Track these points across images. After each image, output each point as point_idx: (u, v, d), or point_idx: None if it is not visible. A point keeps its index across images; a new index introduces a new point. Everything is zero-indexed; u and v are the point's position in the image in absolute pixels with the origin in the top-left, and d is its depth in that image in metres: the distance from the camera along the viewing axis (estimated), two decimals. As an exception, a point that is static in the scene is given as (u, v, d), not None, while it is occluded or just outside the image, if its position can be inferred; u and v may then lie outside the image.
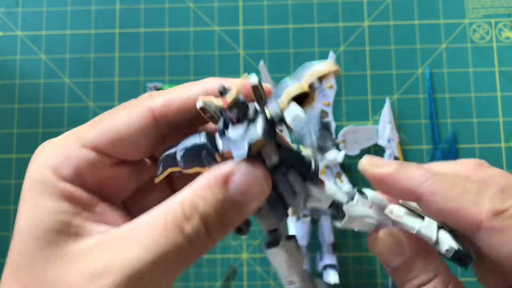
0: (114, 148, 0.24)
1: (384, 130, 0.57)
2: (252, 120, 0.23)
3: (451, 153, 0.58)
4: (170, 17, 0.62)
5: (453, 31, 0.60)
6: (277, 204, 0.25)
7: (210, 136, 0.24)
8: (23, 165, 0.59)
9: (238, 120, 0.23)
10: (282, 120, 0.23)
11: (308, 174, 0.25)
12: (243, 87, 0.24)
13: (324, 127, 0.22)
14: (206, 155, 0.23)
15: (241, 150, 0.22)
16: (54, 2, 0.62)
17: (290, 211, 0.25)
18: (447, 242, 0.24)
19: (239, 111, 0.23)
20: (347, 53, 0.60)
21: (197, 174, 0.23)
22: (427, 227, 0.25)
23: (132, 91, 0.60)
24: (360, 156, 0.58)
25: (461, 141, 0.58)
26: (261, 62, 0.57)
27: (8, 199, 0.59)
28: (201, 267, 0.57)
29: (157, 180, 0.25)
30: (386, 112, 0.58)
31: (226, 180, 0.22)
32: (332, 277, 0.52)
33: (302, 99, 0.23)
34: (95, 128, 0.24)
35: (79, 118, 0.59)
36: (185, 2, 0.62)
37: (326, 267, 0.53)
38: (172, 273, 0.21)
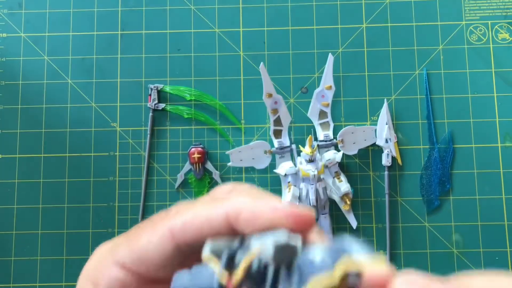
0: (139, 267, 0.25)
1: (382, 130, 0.58)
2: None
3: (448, 153, 0.59)
4: (171, 19, 0.62)
5: (450, 33, 0.61)
6: None
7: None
8: (26, 165, 0.60)
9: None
10: None
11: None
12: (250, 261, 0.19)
13: None
14: None
15: None
16: (57, 4, 0.63)
17: None
18: None
19: (254, 284, 0.19)
20: (346, 54, 0.61)
21: None
22: None
23: (134, 92, 0.61)
24: (358, 156, 0.59)
25: (458, 141, 0.59)
26: (261, 64, 0.57)
27: (11, 199, 0.59)
28: (202, 266, 0.58)
29: None
30: (384, 113, 0.58)
31: None
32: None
33: None
34: (123, 246, 0.25)
35: (81, 119, 0.60)
36: (186, 4, 0.63)
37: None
38: None
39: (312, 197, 0.54)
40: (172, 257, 0.24)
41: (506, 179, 0.58)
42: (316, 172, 0.53)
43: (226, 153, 0.58)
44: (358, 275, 0.17)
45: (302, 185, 0.54)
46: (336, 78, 0.59)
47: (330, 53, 0.58)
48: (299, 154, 0.55)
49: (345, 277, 0.17)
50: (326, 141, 0.57)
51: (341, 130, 0.58)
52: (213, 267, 0.20)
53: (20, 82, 0.61)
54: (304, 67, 0.61)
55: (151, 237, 0.24)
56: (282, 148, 0.57)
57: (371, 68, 0.61)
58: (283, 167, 0.56)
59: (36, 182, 0.59)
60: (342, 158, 0.56)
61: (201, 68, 0.61)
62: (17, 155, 0.60)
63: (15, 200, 0.59)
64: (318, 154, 0.54)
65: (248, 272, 0.18)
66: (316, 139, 0.58)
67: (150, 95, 0.60)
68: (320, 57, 0.61)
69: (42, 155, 0.60)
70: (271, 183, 0.59)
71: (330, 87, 0.58)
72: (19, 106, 0.61)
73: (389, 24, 0.62)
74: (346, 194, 0.56)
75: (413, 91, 0.60)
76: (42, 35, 0.62)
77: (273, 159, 0.58)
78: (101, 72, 0.61)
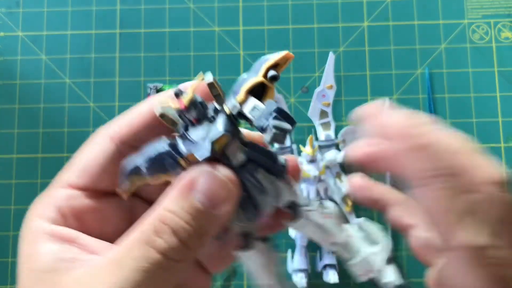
0: (86, 180, 0.25)
1: (384, 130, 0.57)
2: (213, 119, 0.23)
3: (451, 153, 0.58)
4: (170, 18, 0.62)
5: (453, 32, 0.61)
6: (247, 205, 0.24)
7: (172, 141, 0.23)
8: (23, 165, 0.59)
9: (198, 121, 0.23)
10: (241, 114, 0.23)
11: (276, 170, 0.24)
12: (199, 87, 0.23)
13: (279, 110, 0.22)
14: (171, 163, 0.23)
15: (203, 150, 0.22)
16: (54, 2, 0.62)
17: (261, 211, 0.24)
18: (390, 275, 0.24)
19: (198, 112, 0.22)
20: (347, 53, 0.60)
21: (168, 183, 0.23)
22: (375, 255, 0.25)
23: (132, 91, 0.60)
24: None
25: (460, 141, 0.58)
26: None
27: (9, 199, 0.59)
28: (201, 267, 0.57)
29: (124, 195, 0.25)
30: None
31: (190, 189, 0.22)
32: (332, 277, 0.53)
33: (261, 92, 0.23)
34: (67, 168, 0.26)
35: (79, 118, 0.60)
36: (186, 3, 0.62)
37: (326, 267, 0.54)
38: (160, 286, 0.22)
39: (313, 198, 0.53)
40: (115, 160, 0.25)
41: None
42: (317, 173, 0.53)
43: (225, 153, 0.58)
44: (275, 68, 0.23)
45: (302, 186, 0.54)
46: (337, 77, 0.59)
47: (331, 52, 0.58)
48: (299, 154, 0.55)
49: (266, 75, 0.23)
50: (327, 141, 0.57)
51: (342, 130, 0.57)
52: (170, 104, 0.23)
53: (18, 81, 0.61)
54: (305, 66, 0.60)
55: (92, 147, 0.26)
56: (282, 148, 0.57)
57: (373, 67, 0.60)
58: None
59: (33, 183, 0.59)
60: (343, 159, 0.56)
61: (201, 68, 0.61)
62: (15, 155, 0.59)
63: (12, 201, 0.59)
64: (319, 155, 0.54)
65: (194, 100, 0.22)
66: (317, 139, 0.58)
67: (149, 94, 0.59)
68: (321, 56, 0.60)
69: (40, 155, 0.59)
70: (271, 183, 0.58)
71: (331, 87, 0.57)
72: (17, 106, 0.60)
73: (390, 23, 0.61)
74: (347, 195, 0.55)
75: (415, 90, 0.59)
76: (40, 34, 0.62)
77: (274, 159, 0.57)
78: (99, 72, 0.61)
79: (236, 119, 0.23)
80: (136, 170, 0.24)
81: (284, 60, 0.24)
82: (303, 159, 0.53)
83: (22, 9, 0.62)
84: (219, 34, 0.61)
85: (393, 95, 0.59)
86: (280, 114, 0.22)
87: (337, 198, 0.56)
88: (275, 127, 0.21)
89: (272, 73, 0.23)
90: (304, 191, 0.54)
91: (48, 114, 0.60)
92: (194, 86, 0.23)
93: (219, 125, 0.22)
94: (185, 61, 0.61)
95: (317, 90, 0.58)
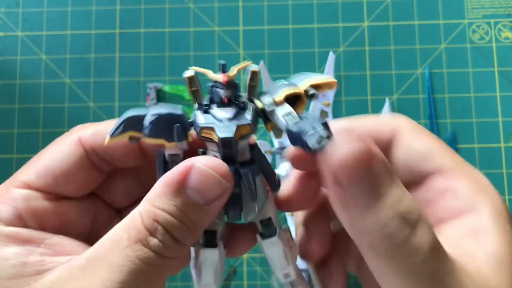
0: (47, 182, 0.24)
1: (384, 130, 0.57)
2: (242, 108, 0.23)
3: (451, 153, 0.58)
4: (170, 18, 0.62)
5: (453, 31, 0.60)
6: (234, 204, 0.24)
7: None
8: (23, 165, 0.59)
9: (226, 103, 0.23)
10: (269, 113, 0.23)
11: (272, 182, 0.25)
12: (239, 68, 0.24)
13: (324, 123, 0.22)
14: (179, 129, 0.22)
15: (227, 130, 0.22)
16: (54, 2, 0.62)
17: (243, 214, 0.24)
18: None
19: (232, 92, 0.23)
20: (347, 53, 0.60)
21: (154, 149, 0.22)
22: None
23: (132, 91, 0.60)
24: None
25: (460, 141, 0.58)
26: (261, 62, 0.57)
27: (8, 199, 0.59)
28: (201, 267, 0.57)
29: (109, 140, 0.23)
30: (385, 112, 0.58)
31: (182, 184, 0.21)
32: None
33: (294, 103, 0.23)
34: (26, 167, 0.24)
35: (79, 118, 0.59)
36: (185, 3, 0.62)
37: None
38: (151, 285, 0.21)
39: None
40: (81, 166, 0.24)
41: (509, 179, 0.57)
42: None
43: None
44: (316, 87, 0.23)
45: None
46: (337, 77, 0.59)
47: (331, 52, 0.58)
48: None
49: (306, 90, 0.23)
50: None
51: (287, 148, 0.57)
52: (207, 71, 0.24)
53: (18, 81, 0.61)
54: (305, 66, 0.60)
55: (58, 147, 0.24)
56: (282, 148, 0.57)
57: (373, 67, 0.60)
58: (284, 168, 0.55)
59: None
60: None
61: (201, 67, 0.60)
62: (15, 155, 0.59)
63: (12, 201, 0.59)
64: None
65: (234, 80, 0.23)
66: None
67: (149, 94, 0.59)
68: (321, 56, 0.60)
69: (40, 155, 0.59)
70: (271, 183, 0.58)
71: (331, 87, 0.57)
72: (16, 106, 0.60)
73: (390, 23, 0.61)
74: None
75: (415, 90, 0.59)
76: (40, 33, 0.62)
77: (274, 159, 0.57)
78: (99, 71, 0.61)
79: (260, 116, 0.23)
80: (137, 121, 0.22)
81: (328, 85, 0.24)
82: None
83: (21, 9, 0.62)
84: (219, 34, 0.61)
85: (393, 95, 0.59)
86: (324, 125, 0.21)
87: None
88: (324, 135, 0.20)
89: (313, 91, 0.24)
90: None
91: (48, 114, 0.60)
92: (240, 66, 0.23)
93: (248, 115, 0.22)
94: (185, 61, 0.61)
95: (317, 90, 0.58)
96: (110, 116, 0.60)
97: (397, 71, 0.60)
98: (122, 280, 0.20)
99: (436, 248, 0.20)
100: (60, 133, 0.27)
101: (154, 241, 0.20)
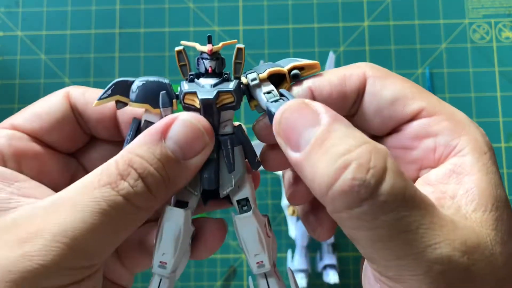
0: (34, 126, 0.24)
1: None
2: (226, 80, 0.24)
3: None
4: (170, 17, 0.62)
5: (453, 31, 0.60)
6: (209, 170, 0.24)
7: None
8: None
9: (211, 73, 0.24)
10: (253, 90, 0.25)
11: (252, 160, 0.25)
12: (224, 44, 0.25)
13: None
14: (164, 96, 0.24)
15: (208, 93, 0.23)
16: (54, 2, 0.62)
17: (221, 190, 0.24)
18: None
19: (217, 64, 0.24)
20: (347, 53, 0.60)
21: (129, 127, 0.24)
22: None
23: (132, 91, 0.60)
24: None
25: (461, 141, 0.58)
26: (261, 62, 0.57)
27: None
28: (201, 267, 0.57)
29: (96, 103, 0.24)
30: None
31: (163, 133, 0.22)
32: (332, 277, 0.52)
33: (278, 84, 0.25)
34: (16, 114, 0.25)
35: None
36: (185, 2, 0.62)
37: (326, 267, 0.53)
38: (114, 234, 0.20)
39: (313, 198, 0.53)
40: (66, 118, 0.25)
41: (510, 179, 0.57)
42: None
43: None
44: (300, 69, 0.25)
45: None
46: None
47: (331, 52, 0.58)
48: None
49: (290, 71, 0.25)
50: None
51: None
52: (195, 44, 0.25)
53: (17, 81, 0.61)
54: (305, 66, 0.60)
55: (48, 97, 0.26)
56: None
57: (373, 67, 0.60)
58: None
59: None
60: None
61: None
62: (14, 155, 0.59)
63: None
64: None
65: (219, 53, 0.25)
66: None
67: (149, 94, 0.59)
68: (321, 55, 0.60)
69: (39, 155, 0.59)
70: (271, 183, 0.58)
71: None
72: (16, 106, 0.60)
73: (391, 23, 0.61)
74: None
75: (415, 90, 0.59)
76: (39, 33, 0.62)
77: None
78: (99, 71, 0.61)
79: (243, 91, 0.25)
80: (125, 86, 0.24)
81: (311, 67, 0.26)
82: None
83: (21, 9, 0.62)
84: (219, 34, 0.61)
85: (393, 95, 0.59)
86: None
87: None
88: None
89: (295, 72, 0.25)
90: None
91: (48, 114, 0.60)
92: (226, 42, 0.24)
93: (231, 84, 0.24)
94: (185, 60, 0.61)
95: (317, 90, 0.57)
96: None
97: (398, 71, 0.60)
98: (84, 220, 0.19)
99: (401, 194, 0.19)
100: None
101: (124, 184, 0.20)
